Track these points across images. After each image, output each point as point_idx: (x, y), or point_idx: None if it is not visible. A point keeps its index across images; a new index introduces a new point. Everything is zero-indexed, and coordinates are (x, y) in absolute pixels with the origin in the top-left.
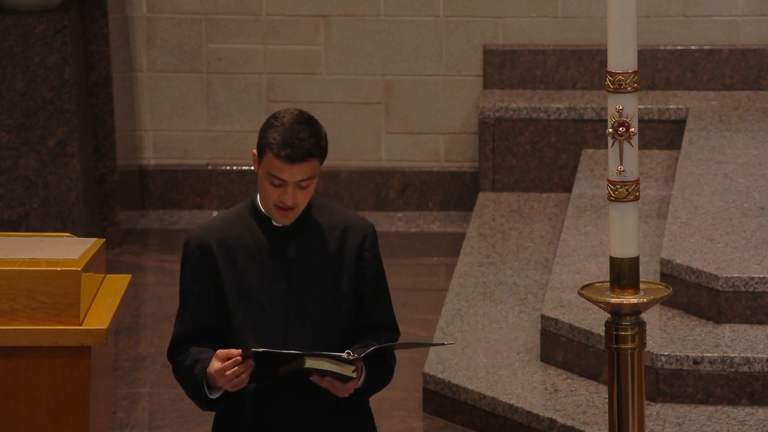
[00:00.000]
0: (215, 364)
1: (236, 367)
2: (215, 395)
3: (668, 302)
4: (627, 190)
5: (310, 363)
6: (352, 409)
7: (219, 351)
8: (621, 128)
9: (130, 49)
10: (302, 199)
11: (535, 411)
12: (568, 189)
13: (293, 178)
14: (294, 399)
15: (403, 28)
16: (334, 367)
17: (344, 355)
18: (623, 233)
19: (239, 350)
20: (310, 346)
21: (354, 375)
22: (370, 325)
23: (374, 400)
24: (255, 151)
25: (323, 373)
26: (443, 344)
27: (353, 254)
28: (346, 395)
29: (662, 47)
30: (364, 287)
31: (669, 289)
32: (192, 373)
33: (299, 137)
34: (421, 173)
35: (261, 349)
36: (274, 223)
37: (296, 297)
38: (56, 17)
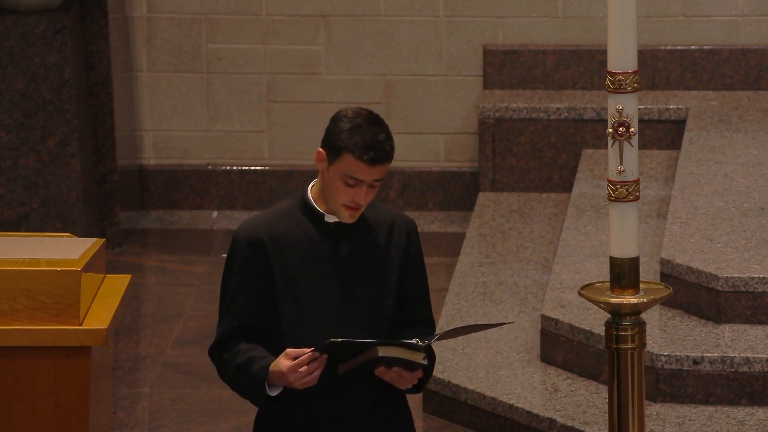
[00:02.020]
0: (285, 362)
1: (310, 364)
2: (274, 393)
3: (668, 302)
4: (627, 190)
5: (384, 351)
6: (392, 404)
7: (288, 350)
8: (621, 128)
9: (130, 49)
10: (370, 199)
11: (535, 411)
12: (568, 189)
13: (370, 177)
14: (339, 395)
15: (403, 28)
16: (407, 354)
17: (415, 341)
18: (623, 233)
19: (310, 349)
20: None
21: (425, 362)
22: (412, 320)
23: None
24: (322, 150)
25: (394, 362)
26: (503, 324)
27: (400, 250)
28: (410, 386)
29: (662, 47)
30: (408, 283)
31: (669, 289)
32: (249, 371)
33: (379, 140)
34: (421, 173)
35: (339, 339)
36: (326, 219)
37: (347, 294)
38: (56, 17)
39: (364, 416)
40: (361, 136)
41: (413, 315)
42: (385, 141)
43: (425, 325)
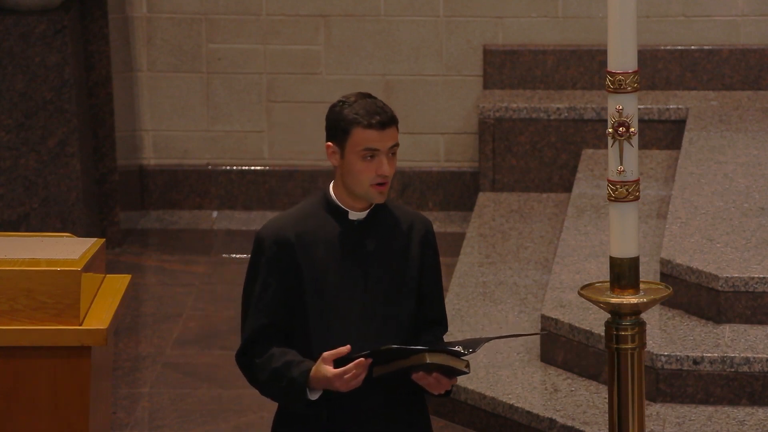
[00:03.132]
0: (328, 368)
1: (356, 370)
2: (315, 397)
3: (668, 302)
4: (627, 190)
5: (431, 358)
6: (411, 404)
7: (325, 355)
8: (621, 128)
9: (130, 49)
10: (392, 171)
11: (535, 411)
12: (568, 189)
13: (385, 145)
14: (361, 393)
15: (403, 28)
16: (451, 362)
17: (459, 349)
18: (623, 233)
19: (346, 348)
20: (378, 343)
21: (468, 370)
22: (427, 321)
23: None
24: (330, 143)
25: (434, 368)
26: (537, 333)
27: (418, 250)
28: (443, 392)
29: (662, 47)
30: (425, 283)
31: (669, 289)
32: (287, 376)
33: (378, 105)
34: (421, 173)
35: (394, 346)
36: (350, 217)
37: (371, 291)
38: (56, 17)
39: (385, 415)
40: (361, 107)
41: (429, 315)
42: (385, 106)
43: (439, 326)
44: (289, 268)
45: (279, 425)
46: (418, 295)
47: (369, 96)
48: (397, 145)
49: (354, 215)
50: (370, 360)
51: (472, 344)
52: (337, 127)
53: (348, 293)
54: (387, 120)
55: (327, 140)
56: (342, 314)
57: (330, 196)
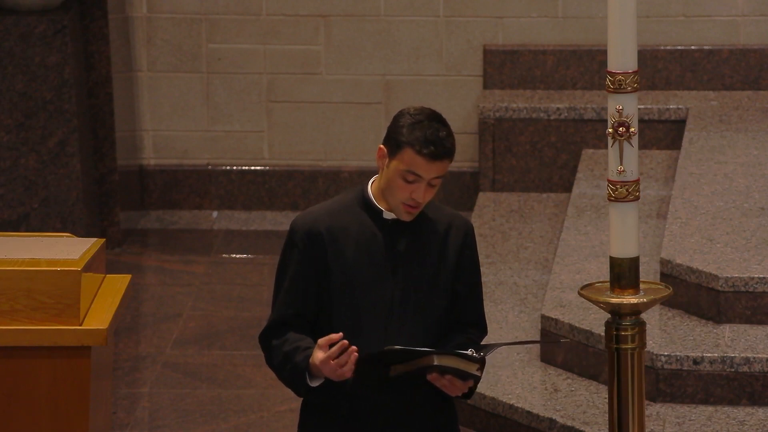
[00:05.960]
0: (318, 354)
1: (340, 357)
2: (316, 384)
3: (668, 302)
4: (627, 190)
5: (440, 360)
6: (437, 399)
7: (320, 340)
8: (621, 128)
9: (130, 49)
10: (429, 197)
11: (535, 411)
12: (568, 189)
13: (429, 175)
14: (385, 387)
15: (403, 28)
16: (462, 365)
17: (470, 352)
18: (623, 233)
19: (338, 335)
20: (407, 342)
21: (479, 373)
22: (462, 322)
23: None
24: (383, 146)
25: (447, 370)
26: (559, 341)
27: (456, 251)
28: (459, 394)
29: (662, 47)
30: (461, 284)
31: (669, 289)
32: (292, 361)
33: (440, 136)
34: None
35: (397, 347)
36: (384, 216)
37: (401, 291)
38: (56, 17)
39: (410, 409)
40: (422, 131)
41: (464, 317)
42: (446, 138)
43: (476, 329)
44: (319, 262)
45: (305, 414)
46: (453, 296)
47: (438, 120)
48: (442, 176)
49: (388, 214)
50: (354, 348)
51: (484, 348)
52: (393, 138)
53: (376, 291)
54: (441, 153)
55: (383, 142)
56: (369, 311)
57: (367, 193)
